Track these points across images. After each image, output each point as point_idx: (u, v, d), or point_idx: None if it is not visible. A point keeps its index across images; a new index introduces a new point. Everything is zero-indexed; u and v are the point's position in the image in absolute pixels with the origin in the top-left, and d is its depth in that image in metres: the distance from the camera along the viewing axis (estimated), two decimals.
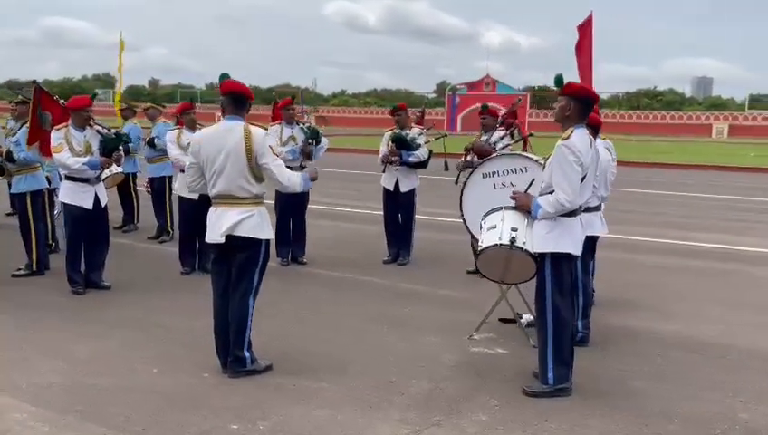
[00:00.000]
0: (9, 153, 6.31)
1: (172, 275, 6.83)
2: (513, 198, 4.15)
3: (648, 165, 23.54)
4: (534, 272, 4.05)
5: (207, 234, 4.22)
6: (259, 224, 4.14)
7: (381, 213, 7.64)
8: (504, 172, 5.00)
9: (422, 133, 7.30)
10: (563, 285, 3.96)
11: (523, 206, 4.08)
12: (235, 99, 4.15)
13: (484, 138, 6.68)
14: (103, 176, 8.56)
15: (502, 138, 6.50)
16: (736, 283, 7.03)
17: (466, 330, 5.12)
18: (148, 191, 8.78)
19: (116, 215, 9.32)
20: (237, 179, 4.07)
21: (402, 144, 7.10)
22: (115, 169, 8.24)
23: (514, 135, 6.52)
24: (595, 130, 4.80)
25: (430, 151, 7.29)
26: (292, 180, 4.26)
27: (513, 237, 4.00)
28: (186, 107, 6.77)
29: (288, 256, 7.33)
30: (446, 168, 7.26)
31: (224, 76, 4.17)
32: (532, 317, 5.15)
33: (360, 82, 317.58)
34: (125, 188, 8.98)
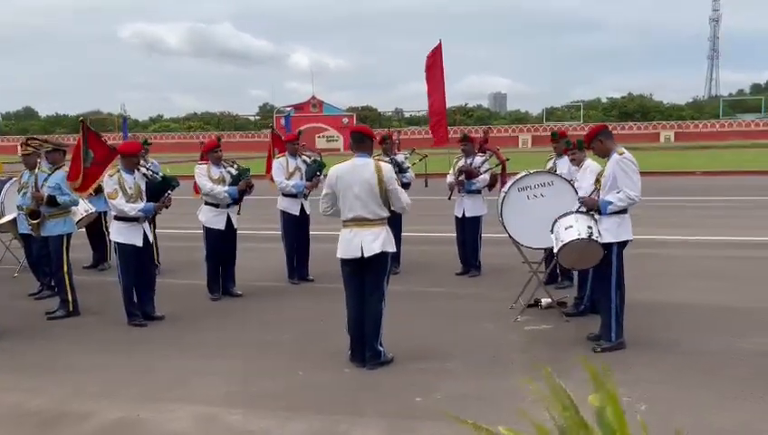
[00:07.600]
0: (51, 198, 6.41)
1: (205, 303, 7.25)
2: (581, 201, 5.48)
3: None
4: (600, 258, 5.37)
5: (343, 250, 5.04)
6: (388, 240, 5.07)
7: None
8: (534, 186, 6.31)
9: (407, 157, 8.44)
10: (622, 265, 5.37)
11: (591, 205, 5.40)
12: (362, 138, 5.07)
13: (467, 161, 8.02)
14: (78, 216, 8.66)
15: (483, 162, 7.92)
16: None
17: (504, 316, 6.38)
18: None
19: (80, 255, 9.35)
20: (371, 205, 4.98)
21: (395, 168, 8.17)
22: (90, 208, 8.43)
23: (491, 160, 7.95)
24: (580, 146, 6.34)
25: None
26: (408, 201, 5.23)
27: (590, 232, 5.30)
28: (212, 145, 7.23)
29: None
30: (426, 184, 8.53)
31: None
32: (549, 300, 6.54)
33: (170, 105, 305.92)
34: (96, 226, 9.03)
